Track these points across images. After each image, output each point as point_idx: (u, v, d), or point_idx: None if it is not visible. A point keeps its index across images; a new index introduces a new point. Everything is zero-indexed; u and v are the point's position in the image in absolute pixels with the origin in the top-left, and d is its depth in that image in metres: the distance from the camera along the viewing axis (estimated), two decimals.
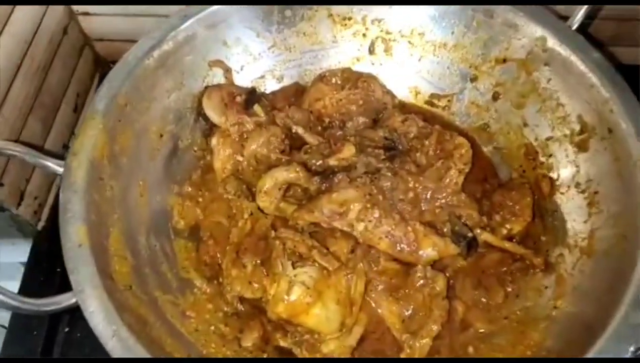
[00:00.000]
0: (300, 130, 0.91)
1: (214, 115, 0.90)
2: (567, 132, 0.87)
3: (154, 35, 0.86)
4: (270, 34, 0.97)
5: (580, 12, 0.87)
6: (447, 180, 0.86)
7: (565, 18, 0.89)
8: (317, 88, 0.96)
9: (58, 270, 0.90)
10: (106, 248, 0.73)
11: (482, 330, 0.79)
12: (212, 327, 0.78)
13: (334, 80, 0.96)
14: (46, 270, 0.91)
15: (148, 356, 0.64)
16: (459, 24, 0.95)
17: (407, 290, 0.80)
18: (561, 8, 0.96)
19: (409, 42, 0.99)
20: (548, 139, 0.90)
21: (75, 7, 1.05)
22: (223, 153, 0.90)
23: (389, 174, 0.84)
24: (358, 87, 0.96)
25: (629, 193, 0.76)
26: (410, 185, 0.85)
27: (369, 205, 0.80)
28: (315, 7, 0.96)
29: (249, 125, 0.90)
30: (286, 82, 1.01)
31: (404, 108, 0.99)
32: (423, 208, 0.84)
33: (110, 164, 0.78)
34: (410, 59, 1.00)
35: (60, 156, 0.77)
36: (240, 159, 0.90)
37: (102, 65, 1.14)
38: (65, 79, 1.04)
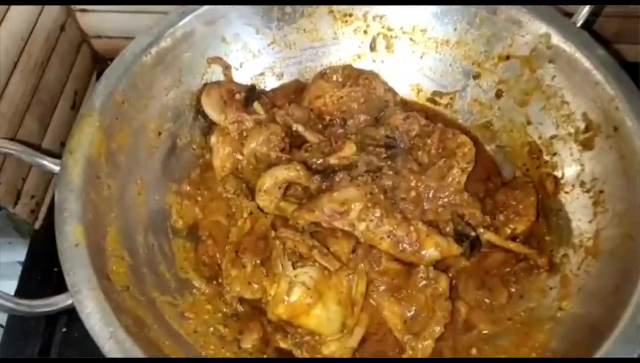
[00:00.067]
0: (300, 128, 0.91)
1: (213, 113, 0.90)
2: (572, 130, 0.86)
3: (151, 31, 0.85)
4: (270, 30, 0.96)
5: (585, 9, 0.87)
6: (450, 179, 0.85)
7: (569, 15, 0.89)
8: (318, 85, 0.96)
9: (55, 269, 0.89)
10: (103, 248, 0.72)
11: (485, 332, 0.79)
12: (211, 328, 0.78)
13: (334, 77, 0.96)
14: (44, 270, 0.90)
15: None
16: (461, 21, 0.94)
17: (409, 291, 0.79)
18: (565, 5, 0.95)
19: (411, 38, 0.99)
20: (552, 137, 0.89)
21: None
22: (222, 151, 0.89)
23: (391, 173, 0.84)
24: (359, 84, 0.95)
25: (635, 192, 0.75)
26: (412, 184, 0.84)
27: (370, 205, 0.80)
28: None
29: (249, 123, 0.90)
30: (286, 79, 1.01)
31: (405, 106, 0.98)
32: (425, 208, 0.84)
33: (108, 163, 0.77)
34: (412, 56, 1.00)
35: (58, 155, 0.77)
36: (240, 157, 0.89)
37: (100, 63, 1.13)
38: (63, 76, 1.04)
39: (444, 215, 0.84)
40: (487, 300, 0.81)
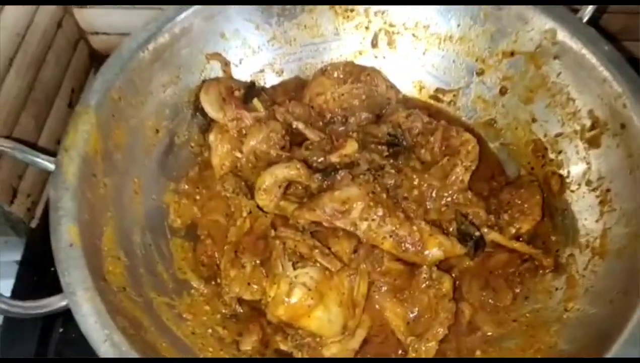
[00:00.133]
0: (300, 126, 0.90)
1: (211, 110, 0.89)
2: (578, 127, 0.85)
3: (149, 27, 0.84)
4: (270, 26, 0.96)
5: (590, 6, 0.86)
6: (453, 177, 0.85)
7: (574, 12, 0.88)
8: (319, 82, 0.95)
9: (52, 269, 0.88)
10: (99, 248, 0.72)
11: (490, 333, 0.78)
12: (210, 330, 0.77)
13: (336, 74, 0.95)
14: (40, 269, 0.90)
15: None
16: (465, 16, 0.93)
17: (411, 292, 0.79)
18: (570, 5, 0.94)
19: (413, 34, 0.98)
20: (558, 135, 0.88)
21: None
22: (221, 149, 0.88)
23: (393, 171, 0.84)
24: (361, 81, 0.95)
25: None
26: (415, 182, 0.84)
27: (372, 204, 0.79)
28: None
29: (248, 120, 0.89)
30: (286, 76, 1.00)
31: (408, 103, 0.98)
32: (428, 207, 0.84)
33: (104, 161, 0.77)
34: (415, 52, 0.99)
35: (54, 153, 0.76)
36: (239, 155, 0.88)
37: (98, 60, 1.13)
38: (60, 74, 1.03)
39: (447, 215, 0.83)
40: (491, 301, 0.80)
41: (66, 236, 0.68)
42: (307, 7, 0.95)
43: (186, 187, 0.89)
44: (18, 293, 0.87)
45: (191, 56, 0.90)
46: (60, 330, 0.86)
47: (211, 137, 0.89)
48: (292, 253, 0.76)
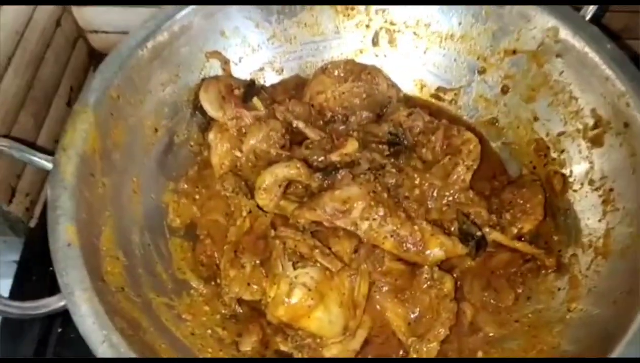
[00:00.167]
0: (301, 125, 0.90)
1: (211, 109, 0.89)
2: (580, 126, 0.85)
3: (148, 25, 0.84)
4: (270, 24, 0.95)
5: (592, 5, 0.86)
6: (455, 177, 0.84)
7: (577, 10, 0.87)
8: (319, 80, 0.95)
9: (51, 268, 0.88)
10: (97, 248, 0.71)
11: (492, 334, 0.78)
12: (209, 331, 0.77)
13: (336, 72, 0.95)
14: (39, 269, 0.90)
15: None
16: (466, 14, 0.93)
17: (413, 292, 0.78)
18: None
19: (414, 33, 0.98)
20: (560, 134, 0.88)
21: None
22: (221, 148, 0.88)
23: (394, 171, 0.83)
24: (362, 79, 0.95)
25: None
26: (416, 182, 0.84)
27: (373, 203, 0.79)
28: None
29: (248, 119, 0.89)
30: (286, 74, 1.00)
31: (409, 102, 0.98)
32: (429, 206, 0.83)
33: (102, 160, 0.76)
34: (416, 51, 0.99)
35: (52, 152, 0.76)
36: (239, 154, 0.88)
37: (97, 59, 1.13)
38: (59, 72, 1.03)
39: (448, 214, 0.83)
40: (493, 302, 0.80)
41: (64, 236, 0.67)
42: (308, 5, 0.95)
43: (185, 186, 0.88)
44: (16, 293, 0.87)
45: (190, 54, 0.90)
46: (59, 330, 0.86)
47: (211, 136, 0.89)
48: (292, 253, 0.76)
